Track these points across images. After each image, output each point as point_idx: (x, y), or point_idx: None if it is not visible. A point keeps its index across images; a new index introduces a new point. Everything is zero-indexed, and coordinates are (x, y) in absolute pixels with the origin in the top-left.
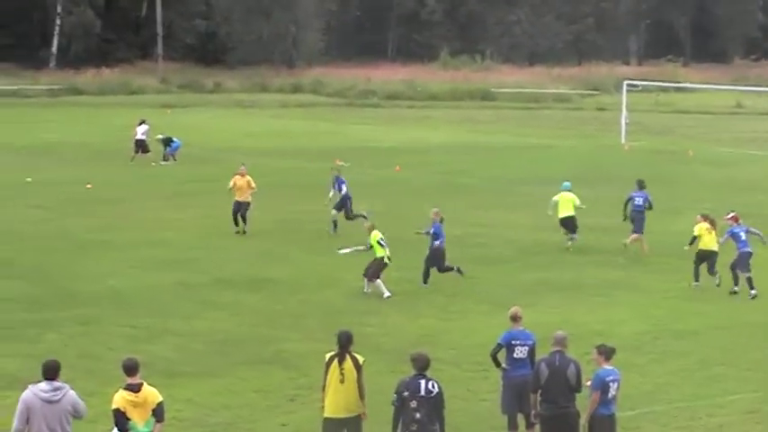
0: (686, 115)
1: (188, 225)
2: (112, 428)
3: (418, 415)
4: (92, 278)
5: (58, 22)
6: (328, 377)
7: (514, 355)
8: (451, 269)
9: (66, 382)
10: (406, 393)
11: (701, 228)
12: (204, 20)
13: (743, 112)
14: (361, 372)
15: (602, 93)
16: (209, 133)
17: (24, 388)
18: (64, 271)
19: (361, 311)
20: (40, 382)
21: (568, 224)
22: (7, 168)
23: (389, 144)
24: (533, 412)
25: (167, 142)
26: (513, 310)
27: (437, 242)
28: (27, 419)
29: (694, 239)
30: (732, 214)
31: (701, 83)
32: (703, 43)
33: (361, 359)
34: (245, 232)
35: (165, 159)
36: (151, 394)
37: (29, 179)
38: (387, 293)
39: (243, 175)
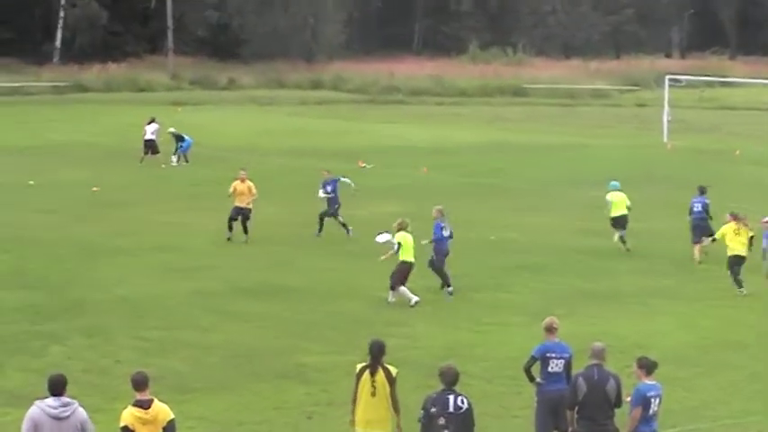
0: (733, 112)
1: (202, 230)
2: None
3: None
4: (99, 287)
5: (61, 14)
6: (359, 389)
7: (549, 369)
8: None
9: (74, 398)
10: (433, 410)
11: (726, 228)
12: (217, 11)
13: None
14: (394, 385)
15: (642, 88)
16: (223, 132)
17: (27, 404)
18: (70, 279)
19: (386, 322)
20: (46, 397)
21: (620, 222)
22: (9, 170)
23: (415, 144)
24: (570, 430)
25: (179, 138)
26: (549, 320)
27: (436, 241)
28: None
29: (715, 239)
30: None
31: (748, 77)
32: (750, 35)
33: (394, 371)
34: (246, 242)
35: (176, 159)
36: (162, 411)
37: (31, 182)
38: (414, 299)
39: (243, 181)
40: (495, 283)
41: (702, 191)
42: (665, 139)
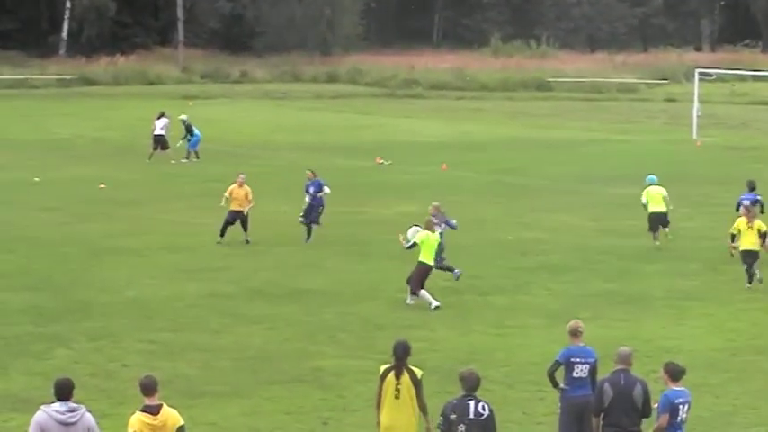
0: (765, 107)
1: (212, 230)
2: None
3: None
4: (107, 288)
5: (68, 4)
6: (383, 392)
7: (574, 374)
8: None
9: (80, 403)
10: (453, 416)
11: (739, 223)
12: (229, 1)
13: None
14: (420, 387)
15: (671, 82)
16: (235, 127)
17: (32, 408)
18: (76, 280)
19: (405, 325)
20: (53, 402)
21: (660, 220)
22: (14, 167)
23: (435, 139)
24: None
25: (189, 130)
26: (573, 323)
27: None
28: None
29: (733, 237)
30: None
31: None
32: None
33: (419, 373)
34: (247, 242)
35: (186, 156)
36: (171, 417)
37: (37, 179)
38: (435, 303)
39: (241, 185)
40: (513, 285)
41: (752, 187)
42: (695, 136)
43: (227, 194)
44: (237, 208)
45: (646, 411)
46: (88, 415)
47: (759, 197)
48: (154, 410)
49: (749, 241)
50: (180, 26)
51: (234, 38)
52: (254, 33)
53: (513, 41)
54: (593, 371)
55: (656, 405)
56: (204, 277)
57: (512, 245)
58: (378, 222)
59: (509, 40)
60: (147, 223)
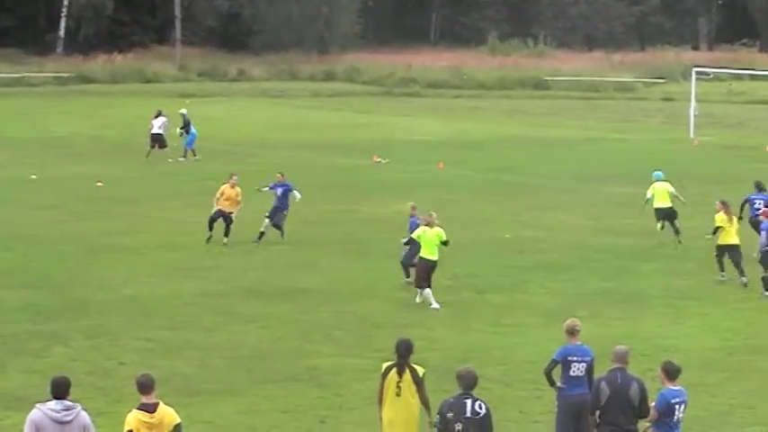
0: (762, 106)
1: None
2: None
3: None
4: (104, 286)
5: (65, 2)
6: (384, 389)
7: (571, 373)
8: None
9: (76, 401)
10: (450, 415)
11: (720, 218)
12: (227, 0)
13: None
14: (422, 385)
15: (668, 81)
16: (233, 126)
17: (28, 407)
18: (73, 278)
19: (402, 324)
20: (48, 400)
21: (665, 214)
22: (11, 164)
23: (432, 138)
24: None
25: (186, 126)
26: (570, 322)
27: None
28: None
29: (717, 230)
30: (763, 209)
31: None
32: None
33: (421, 371)
34: (225, 244)
35: (183, 154)
36: (168, 415)
37: (34, 176)
38: (435, 305)
39: (233, 186)
40: (510, 283)
41: (761, 187)
42: (692, 135)
43: (218, 195)
44: (226, 208)
45: (643, 410)
46: (84, 413)
47: None
48: (150, 409)
49: (726, 237)
50: (177, 24)
51: (231, 36)
52: (252, 32)
53: (510, 40)
54: (590, 369)
55: (653, 404)
56: (201, 275)
57: (509, 243)
58: (375, 221)
59: (506, 39)
60: (145, 221)
